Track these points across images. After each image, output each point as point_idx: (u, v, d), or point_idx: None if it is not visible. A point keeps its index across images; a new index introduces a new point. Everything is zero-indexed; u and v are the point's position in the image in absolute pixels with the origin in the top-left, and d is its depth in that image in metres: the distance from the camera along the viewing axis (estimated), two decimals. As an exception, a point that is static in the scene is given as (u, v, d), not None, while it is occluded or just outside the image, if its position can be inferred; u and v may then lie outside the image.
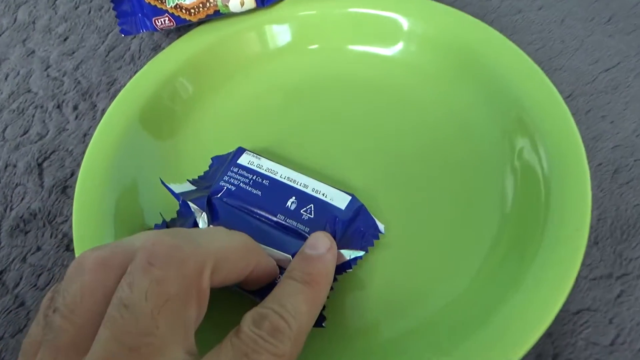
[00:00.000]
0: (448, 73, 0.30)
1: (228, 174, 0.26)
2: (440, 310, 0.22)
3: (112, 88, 0.35)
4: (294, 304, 0.18)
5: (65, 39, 0.38)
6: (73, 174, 0.31)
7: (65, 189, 0.30)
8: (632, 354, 0.22)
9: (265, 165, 0.26)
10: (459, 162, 0.27)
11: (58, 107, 0.34)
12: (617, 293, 0.24)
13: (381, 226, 0.25)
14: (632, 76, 0.32)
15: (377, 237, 0.25)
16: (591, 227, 0.26)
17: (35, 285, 0.27)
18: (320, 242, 0.22)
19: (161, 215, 0.25)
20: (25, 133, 0.33)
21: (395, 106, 0.29)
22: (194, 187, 0.26)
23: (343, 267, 0.23)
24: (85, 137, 0.32)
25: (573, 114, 0.30)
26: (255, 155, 0.26)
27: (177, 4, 0.32)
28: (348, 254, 0.23)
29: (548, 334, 0.23)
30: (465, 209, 0.25)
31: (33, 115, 0.34)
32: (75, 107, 0.34)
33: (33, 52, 0.37)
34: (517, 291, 0.21)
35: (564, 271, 0.21)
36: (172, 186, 0.25)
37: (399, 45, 0.31)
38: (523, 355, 0.19)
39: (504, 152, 0.27)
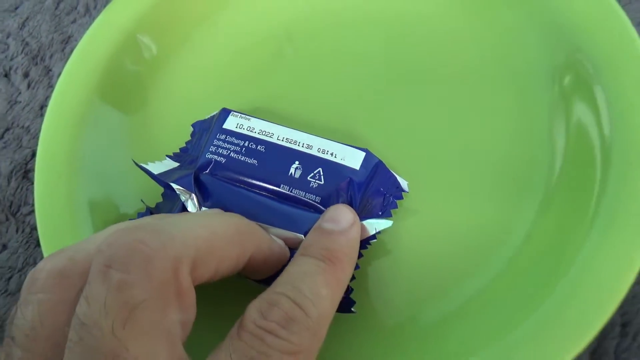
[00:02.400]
0: (488, 26, 0.24)
1: (214, 142, 0.21)
2: (488, 284, 0.19)
3: (68, 47, 0.29)
4: (311, 287, 0.15)
5: (4, -8, 0.32)
6: (34, 154, 0.26)
7: (26, 173, 0.26)
8: None
9: (258, 127, 0.21)
10: (495, 108, 0.22)
11: (5, 75, 0.29)
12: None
13: (404, 183, 0.21)
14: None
15: (401, 197, 0.21)
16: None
17: (5, 290, 0.23)
18: (342, 216, 0.18)
19: (143, 202, 0.21)
20: (-30, 112, 0.28)
21: (414, 40, 0.24)
22: (176, 164, 0.22)
23: (367, 239, 0.19)
24: (43, 109, 0.27)
25: None
26: (244, 115, 0.22)
27: None
28: (373, 226, 0.19)
29: (613, 300, 0.19)
30: (504, 165, 0.21)
31: (-23, 89, 0.28)
32: (25, 75, 0.29)
33: (-32, 11, 0.31)
34: (574, 262, 0.17)
35: (629, 253, 0.17)
36: (150, 166, 0.21)
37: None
38: (594, 337, 0.16)
39: (552, 101, 0.21)
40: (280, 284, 0.15)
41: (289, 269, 0.16)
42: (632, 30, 0.20)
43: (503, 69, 0.22)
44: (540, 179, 0.20)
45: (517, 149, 0.21)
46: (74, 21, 0.30)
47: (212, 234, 0.15)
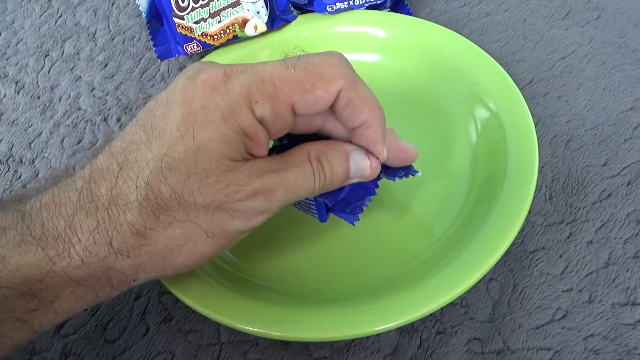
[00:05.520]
0: (421, 71, 0.36)
1: None
2: (443, 233, 0.29)
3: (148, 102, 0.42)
4: None
5: (105, 65, 0.45)
6: (121, 172, 0.37)
7: (115, 184, 0.37)
8: (579, 279, 0.27)
9: None
10: (437, 135, 0.34)
11: (104, 120, 0.41)
12: (567, 235, 0.29)
13: (418, 174, 0.28)
14: (584, 62, 0.37)
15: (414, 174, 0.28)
16: (546, 186, 0.31)
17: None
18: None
19: None
20: (79, 142, 0.40)
21: (383, 98, 0.35)
22: None
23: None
24: (129, 142, 0.39)
25: (532, 97, 0.36)
26: None
27: (203, 32, 0.39)
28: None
29: (509, 269, 0.28)
30: (446, 161, 0.32)
31: (84, 128, 0.40)
32: (118, 119, 0.41)
33: (80, 77, 0.45)
34: (484, 226, 0.27)
35: (516, 212, 0.26)
36: None
37: (380, 53, 0.38)
38: (489, 269, 0.24)
39: (467, 123, 0.33)
40: None
41: None
42: (508, 76, 0.32)
43: (437, 111, 0.35)
44: (466, 164, 0.32)
45: (452, 151, 0.33)
46: (153, 85, 0.43)
47: None
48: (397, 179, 0.27)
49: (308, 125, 0.25)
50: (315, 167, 0.24)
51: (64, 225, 0.21)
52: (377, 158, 0.25)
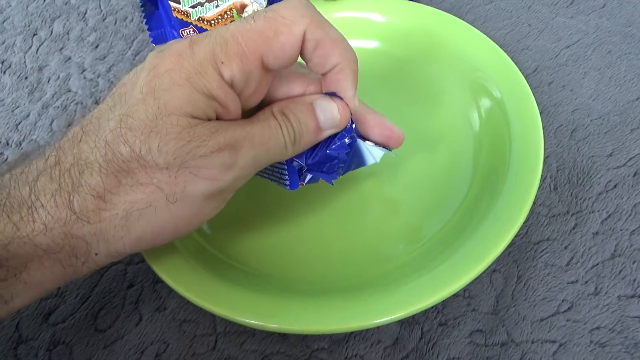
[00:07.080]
0: (423, 58, 0.35)
1: None
2: (445, 223, 0.28)
3: (140, 85, 0.40)
4: None
5: (96, 46, 0.44)
6: (112, 157, 0.36)
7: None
8: (584, 271, 0.27)
9: None
10: (440, 123, 0.33)
11: (96, 102, 0.39)
12: (572, 226, 0.28)
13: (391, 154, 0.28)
14: (590, 50, 0.37)
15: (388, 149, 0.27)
16: (551, 176, 0.31)
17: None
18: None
19: None
20: (69, 125, 0.38)
21: (383, 86, 0.34)
22: None
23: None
24: (121, 126, 0.38)
25: (537, 86, 0.35)
26: None
27: (200, 17, 0.38)
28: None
29: (513, 261, 0.27)
30: (448, 160, 0.31)
31: (75, 111, 0.39)
32: (110, 102, 0.39)
33: (69, 58, 0.43)
34: (487, 216, 0.26)
35: (522, 201, 0.25)
36: None
37: (380, 39, 0.37)
38: (493, 260, 0.24)
39: (470, 111, 0.33)
40: None
41: None
42: (511, 62, 0.32)
43: (441, 88, 0.34)
44: (469, 153, 0.31)
45: (455, 140, 0.32)
46: (146, 68, 0.41)
47: None
48: (371, 144, 0.26)
49: (287, 93, 0.25)
50: (281, 119, 0.23)
51: (28, 191, 0.21)
52: (347, 105, 0.25)
